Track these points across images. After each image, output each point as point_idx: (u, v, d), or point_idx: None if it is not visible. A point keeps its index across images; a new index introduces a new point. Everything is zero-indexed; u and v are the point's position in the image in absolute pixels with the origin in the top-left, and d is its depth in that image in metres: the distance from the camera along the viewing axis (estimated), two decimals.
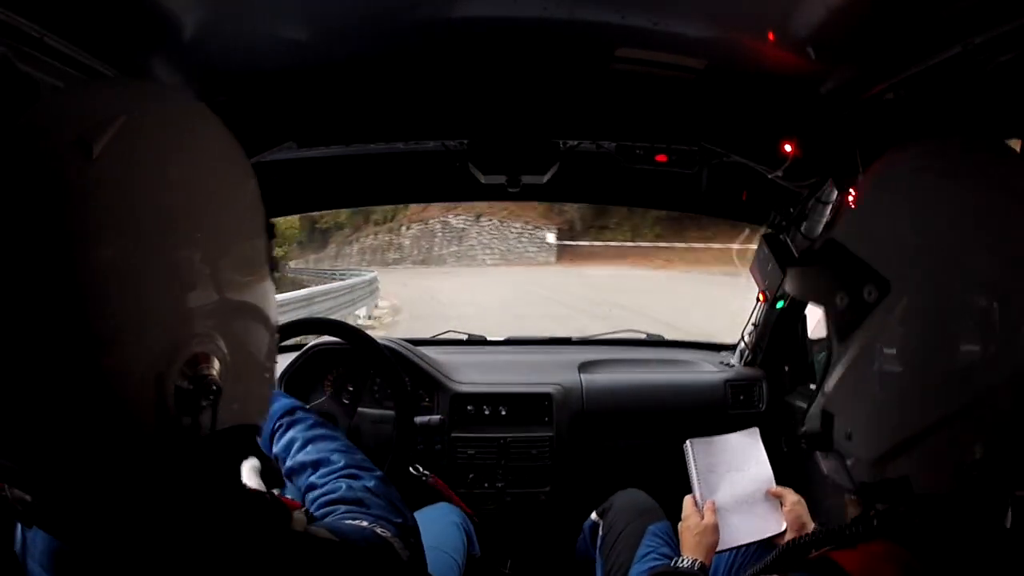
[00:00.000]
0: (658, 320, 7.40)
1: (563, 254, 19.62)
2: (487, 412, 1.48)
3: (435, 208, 20.57)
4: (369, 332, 1.19)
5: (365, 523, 0.58)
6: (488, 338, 1.88)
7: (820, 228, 1.18)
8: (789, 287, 0.63)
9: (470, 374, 1.55)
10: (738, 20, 0.76)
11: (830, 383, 0.54)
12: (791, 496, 0.97)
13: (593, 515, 1.26)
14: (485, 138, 1.12)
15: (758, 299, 1.52)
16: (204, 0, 0.71)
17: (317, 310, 6.88)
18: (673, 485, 1.04)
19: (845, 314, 0.52)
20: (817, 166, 1.04)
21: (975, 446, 0.44)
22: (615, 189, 1.56)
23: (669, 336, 1.94)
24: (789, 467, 1.10)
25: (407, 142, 1.19)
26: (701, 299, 9.55)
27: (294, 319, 1.10)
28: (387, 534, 0.57)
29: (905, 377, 0.48)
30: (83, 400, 0.39)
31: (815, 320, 0.63)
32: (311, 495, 0.67)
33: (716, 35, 0.80)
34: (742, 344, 1.67)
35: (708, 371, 1.63)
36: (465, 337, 1.87)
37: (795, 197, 1.19)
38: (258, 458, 0.50)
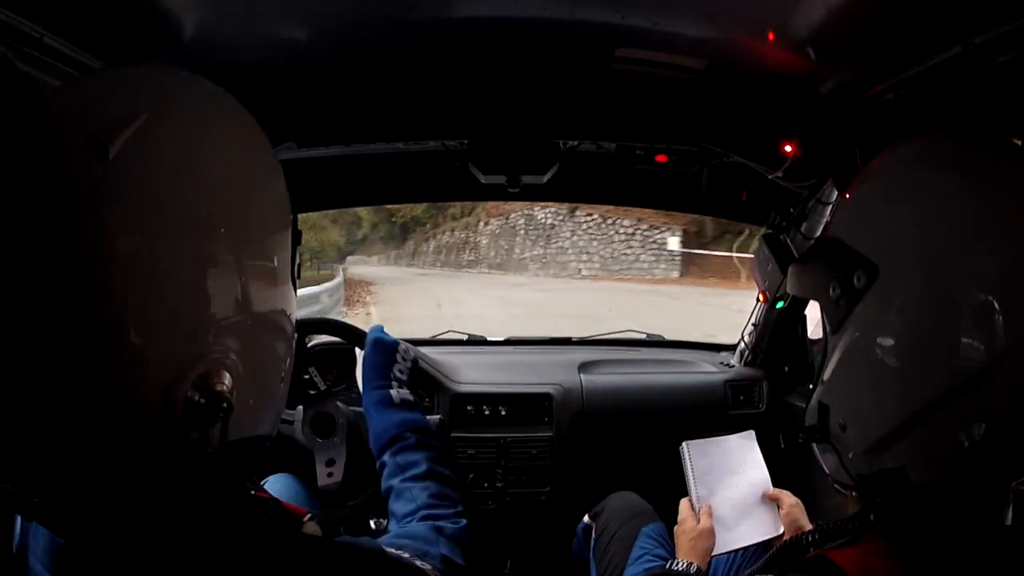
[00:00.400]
0: None
1: (690, 267, 12.42)
2: (487, 412, 1.48)
3: None
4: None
5: (407, 554, 0.55)
6: (488, 338, 1.88)
7: (820, 228, 1.18)
8: (788, 286, 0.63)
9: (470, 374, 1.55)
10: (738, 20, 0.76)
11: (825, 374, 0.55)
12: (788, 499, 0.96)
13: (586, 518, 1.26)
14: (485, 138, 1.12)
15: (758, 299, 1.52)
16: (204, 0, 0.72)
17: None
18: (674, 485, 1.04)
19: (837, 303, 0.52)
20: (817, 166, 1.04)
21: (969, 431, 0.44)
22: (615, 189, 1.56)
23: None
24: (787, 469, 1.10)
25: (407, 142, 1.19)
26: None
27: (295, 319, 1.10)
28: (426, 567, 0.55)
29: (894, 363, 0.48)
30: (93, 404, 0.38)
31: (815, 320, 0.63)
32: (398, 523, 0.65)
33: (716, 35, 0.80)
34: (742, 344, 1.67)
35: (708, 371, 1.63)
36: (465, 337, 1.87)
37: (795, 197, 1.19)
38: (261, 471, 0.49)
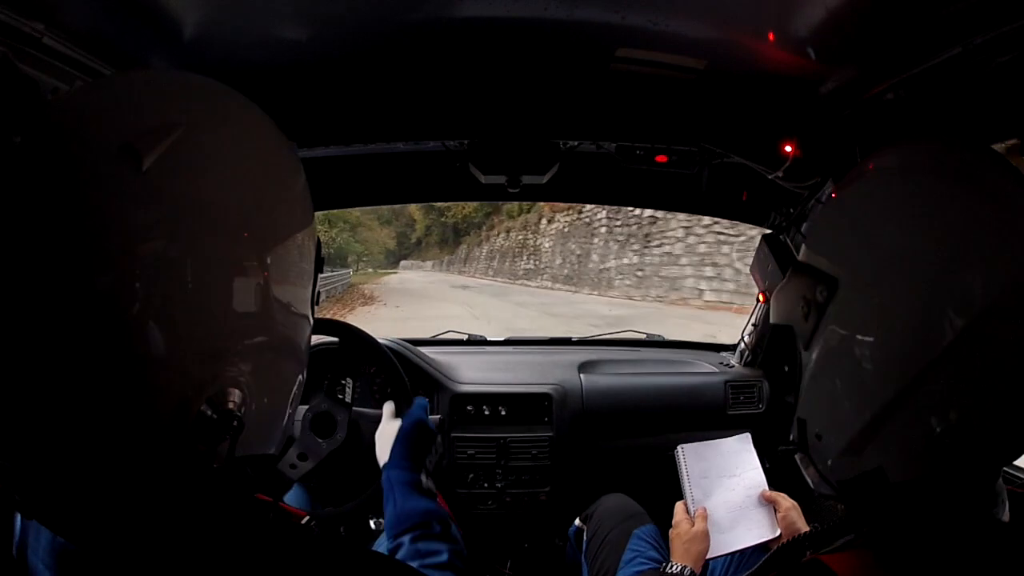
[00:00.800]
0: None
1: None
2: (487, 412, 1.48)
3: None
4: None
5: None
6: (488, 338, 1.88)
7: None
8: (771, 315, 0.64)
9: (470, 374, 1.55)
10: (738, 20, 0.76)
11: (801, 392, 0.57)
12: (785, 502, 0.95)
13: (577, 520, 1.26)
14: (485, 138, 1.12)
15: (758, 299, 1.52)
16: (204, 0, 0.72)
17: None
18: (674, 485, 1.04)
19: (806, 320, 0.54)
20: (817, 166, 1.04)
21: (939, 419, 0.45)
22: (615, 189, 1.56)
23: None
24: (783, 471, 1.10)
25: (407, 142, 1.19)
26: None
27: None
28: None
29: (856, 365, 0.49)
30: (109, 409, 0.39)
31: None
32: None
33: (716, 35, 0.80)
34: (742, 344, 1.67)
35: (708, 371, 1.63)
36: (465, 337, 1.87)
37: (795, 197, 1.19)
38: (260, 482, 0.50)
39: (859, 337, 0.49)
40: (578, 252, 13.27)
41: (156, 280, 0.38)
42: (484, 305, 12.10)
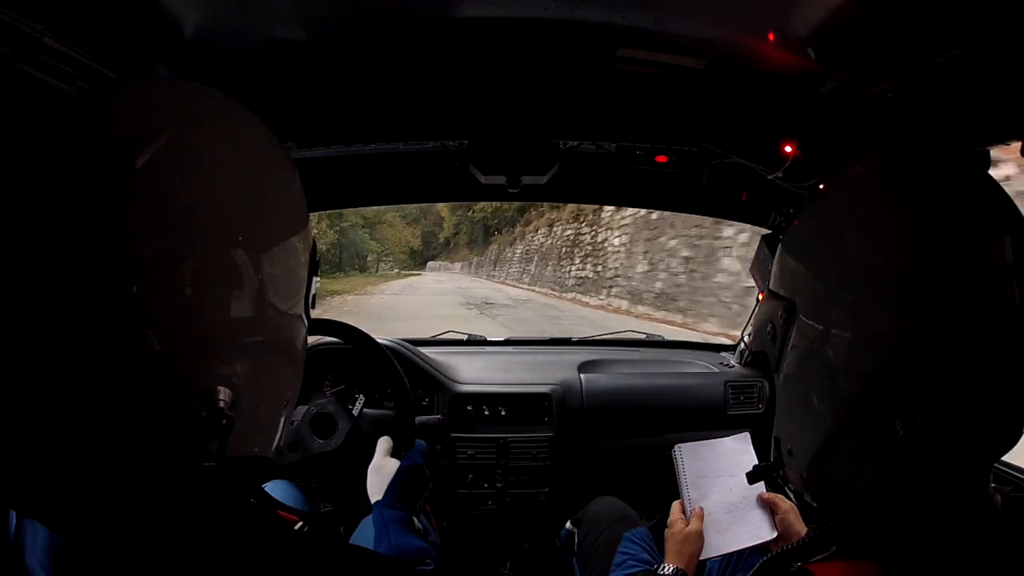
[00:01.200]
0: None
1: None
2: (487, 412, 1.48)
3: None
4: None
5: None
6: (488, 338, 1.88)
7: None
8: (751, 343, 0.67)
9: (470, 374, 1.55)
10: (738, 20, 0.76)
11: (776, 410, 0.58)
12: (783, 503, 0.94)
13: (568, 524, 1.25)
14: (485, 138, 1.12)
15: (757, 300, 1.52)
16: (204, 0, 0.72)
17: None
18: (674, 485, 1.04)
19: (773, 342, 0.56)
20: (817, 166, 1.04)
21: (901, 423, 0.45)
22: (615, 190, 1.56)
23: None
24: None
25: (407, 142, 1.19)
26: None
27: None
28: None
29: (811, 380, 0.51)
30: (101, 404, 0.39)
31: None
32: None
33: (716, 35, 0.80)
34: (741, 345, 1.67)
35: (708, 371, 1.63)
36: (465, 337, 1.87)
37: (795, 197, 1.19)
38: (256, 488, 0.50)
39: (815, 354, 0.50)
40: (686, 253, 7.72)
41: (149, 282, 0.38)
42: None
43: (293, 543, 0.46)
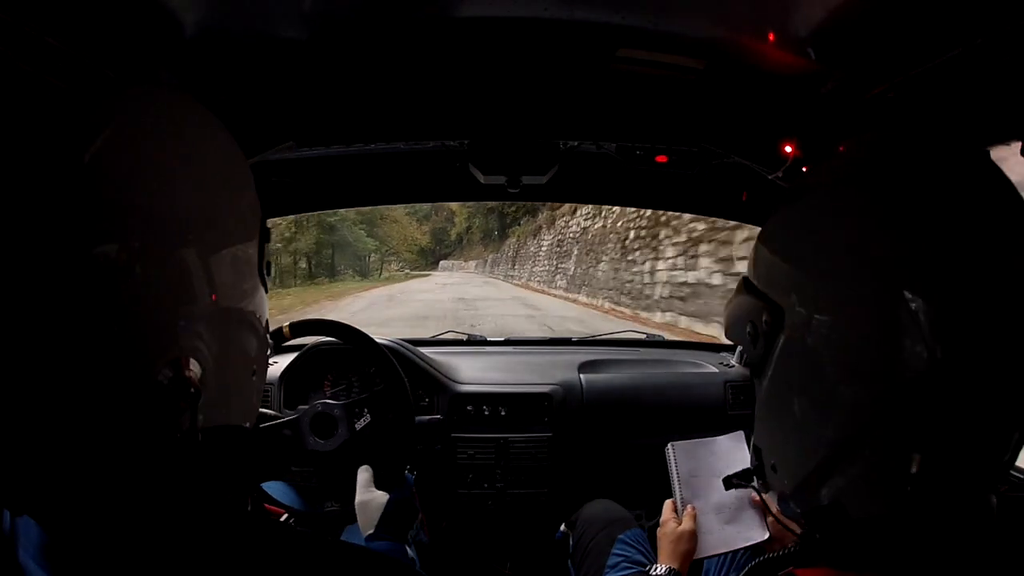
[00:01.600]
0: None
1: None
2: (487, 412, 1.48)
3: None
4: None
5: None
6: (488, 338, 1.88)
7: None
8: (725, 331, 0.62)
9: (470, 374, 1.55)
10: (738, 20, 0.76)
11: (756, 416, 0.54)
12: (774, 505, 0.94)
13: (563, 526, 1.25)
14: (485, 138, 1.12)
15: None
16: (204, 0, 0.71)
17: None
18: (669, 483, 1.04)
19: (754, 345, 0.51)
20: (817, 167, 1.03)
21: (898, 461, 0.42)
22: (615, 190, 1.56)
23: None
24: None
25: (407, 142, 1.19)
26: None
27: (297, 319, 1.10)
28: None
29: (809, 401, 0.46)
30: (67, 391, 0.40)
31: None
32: None
33: (716, 35, 0.80)
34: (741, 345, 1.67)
35: (708, 371, 1.63)
36: (465, 337, 1.87)
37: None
38: (245, 456, 0.51)
39: (807, 375, 0.46)
40: None
41: (99, 265, 0.39)
42: None
43: (274, 532, 0.47)
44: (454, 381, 1.51)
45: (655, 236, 8.05)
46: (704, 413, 1.52)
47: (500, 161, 1.14)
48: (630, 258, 8.97)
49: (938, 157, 0.46)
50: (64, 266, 0.38)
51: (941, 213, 0.42)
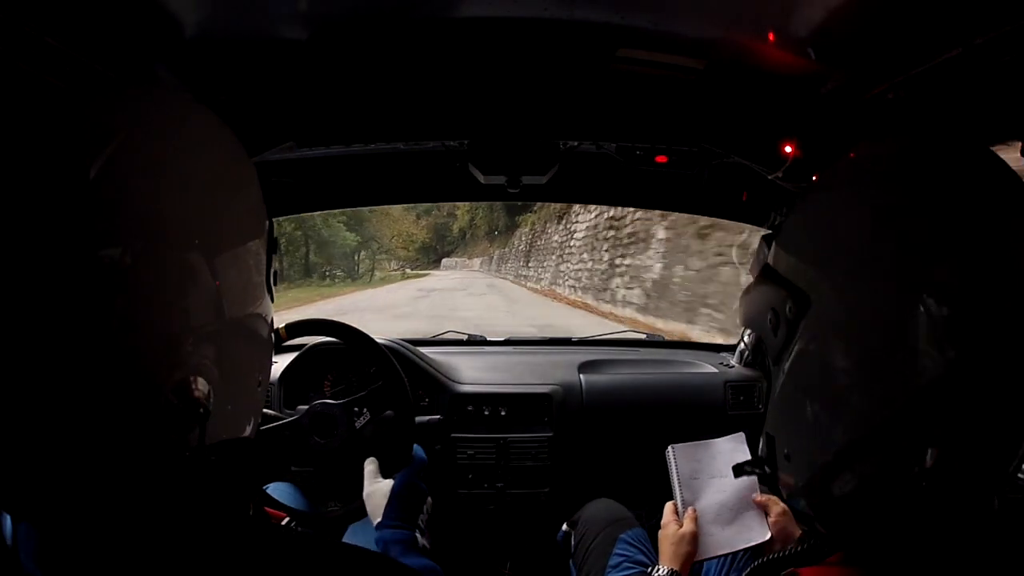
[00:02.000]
0: None
1: None
2: (487, 412, 1.48)
3: None
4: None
5: None
6: (488, 338, 1.88)
7: None
8: (738, 317, 0.62)
9: (470, 374, 1.55)
10: (738, 20, 0.76)
11: (770, 405, 0.54)
12: (776, 506, 0.94)
13: (564, 526, 1.25)
14: (485, 138, 1.12)
15: None
16: (204, 0, 0.72)
17: None
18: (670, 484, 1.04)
19: (775, 333, 0.51)
20: (817, 166, 1.04)
21: (917, 457, 0.42)
22: (615, 190, 1.56)
23: None
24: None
25: (407, 142, 1.19)
26: None
27: (293, 320, 1.10)
28: None
29: (830, 393, 0.46)
30: (75, 408, 0.39)
31: None
32: None
33: (716, 35, 0.80)
34: (742, 345, 1.67)
35: (708, 372, 1.63)
36: (465, 337, 1.87)
37: (795, 198, 1.19)
38: (245, 467, 0.50)
39: (829, 367, 0.46)
40: None
41: (106, 280, 0.39)
42: None
43: (274, 536, 0.47)
44: (454, 381, 1.51)
45: (628, 252, 7.76)
46: (704, 413, 1.52)
47: (500, 161, 1.14)
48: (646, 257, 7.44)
49: (959, 159, 0.46)
50: (69, 274, 0.38)
51: (960, 215, 0.43)
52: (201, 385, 0.43)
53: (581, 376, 1.56)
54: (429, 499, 0.90)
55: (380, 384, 1.10)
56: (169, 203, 0.42)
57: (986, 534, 0.45)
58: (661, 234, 7.50)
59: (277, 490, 1.16)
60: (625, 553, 1.06)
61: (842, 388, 0.45)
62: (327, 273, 23.22)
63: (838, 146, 0.95)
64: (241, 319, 0.47)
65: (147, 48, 0.78)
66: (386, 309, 11.80)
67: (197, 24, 0.74)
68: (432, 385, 1.48)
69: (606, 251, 9.87)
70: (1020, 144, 0.69)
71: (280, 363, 1.41)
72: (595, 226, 10.71)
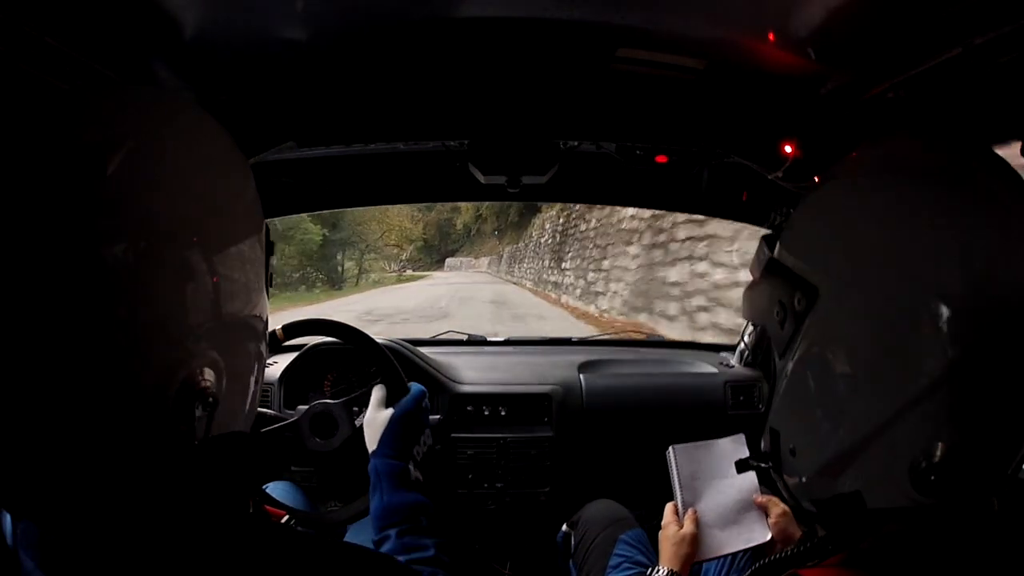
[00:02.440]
0: None
1: None
2: (487, 412, 1.48)
3: None
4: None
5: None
6: (488, 338, 1.88)
7: None
8: (742, 311, 0.62)
9: (470, 374, 1.55)
10: (738, 20, 0.76)
11: (775, 400, 0.54)
12: (776, 507, 0.94)
13: (564, 526, 1.25)
14: (485, 138, 1.12)
15: None
16: (204, 0, 0.71)
17: None
18: (671, 485, 1.04)
19: (781, 326, 0.51)
20: (817, 166, 1.04)
21: (923, 451, 0.42)
22: (615, 189, 1.56)
23: None
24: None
25: (407, 142, 1.19)
26: None
27: (293, 320, 1.10)
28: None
29: (837, 387, 0.46)
30: (85, 403, 0.40)
31: None
32: None
33: (716, 35, 0.80)
34: (742, 345, 1.67)
35: (708, 371, 1.63)
36: (465, 337, 1.87)
37: (795, 197, 1.19)
38: (246, 466, 0.51)
39: (836, 360, 0.46)
40: None
41: (113, 279, 0.39)
42: None
43: (274, 535, 0.47)
44: (454, 381, 1.51)
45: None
46: (704, 413, 1.52)
47: (500, 161, 1.14)
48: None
49: (976, 160, 0.47)
50: (73, 272, 0.38)
51: (972, 215, 0.43)
52: (208, 376, 0.44)
53: (581, 376, 1.56)
54: (428, 431, 0.88)
55: (380, 382, 1.10)
56: (169, 201, 0.43)
57: (987, 535, 0.45)
58: None
59: (277, 490, 1.16)
60: (625, 554, 1.06)
61: (850, 380, 0.45)
62: (305, 277, 19.84)
63: (838, 146, 0.95)
64: (238, 317, 0.48)
65: (147, 48, 0.78)
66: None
67: (197, 24, 0.74)
68: (432, 385, 1.48)
69: (625, 244, 8.17)
70: (1020, 144, 0.69)
71: (280, 363, 1.41)
72: (632, 235, 8.30)
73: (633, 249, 8.14)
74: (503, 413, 1.48)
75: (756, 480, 0.99)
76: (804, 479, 0.51)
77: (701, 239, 5.98)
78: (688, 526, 0.93)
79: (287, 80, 0.92)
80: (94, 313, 0.39)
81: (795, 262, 0.51)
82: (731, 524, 0.95)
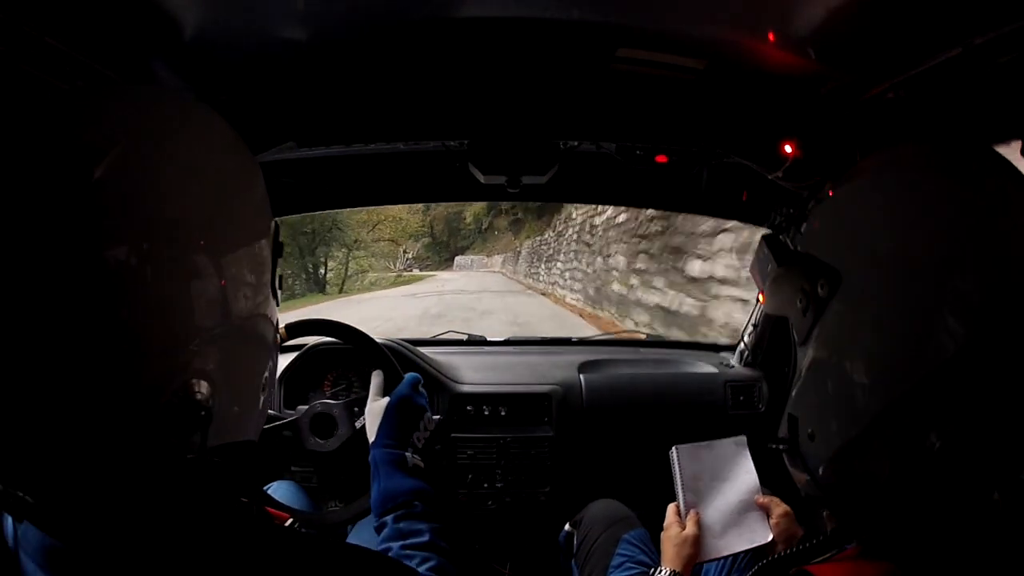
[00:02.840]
0: None
1: None
2: (487, 412, 1.48)
3: None
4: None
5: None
6: (488, 338, 1.88)
7: None
8: (765, 305, 0.63)
9: (470, 374, 1.55)
10: (738, 20, 0.76)
11: (794, 388, 0.55)
12: (778, 508, 0.94)
13: (567, 526, 1.25)
14: (485, 138, 1.12)
15: (758, 300, 1.52)
16: (204, 0, 0.71)
17: None
18: (673, 486, 1.04)
19: (804, 314, 0.52)
20: (817, 166, 1.04)
21: (937, 432, 0.44)
22: (615, 189, 1.56)
23: None
24: (779, 475, 1.09)
25: (407, 142, 1.19)
26: None
27: (293, 320, 1.10)
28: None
29: (856, 367, 0.48)
30: (80, 408, 0.39)
31: None
32: None
33: (716, 35, 0.80)
34: (742, 345, 1.67)
35: (708, 371, 1.63)
36: (465, 337, 1.87)
37: (795, 197, 1.19)
38: (248, 472, 0.50)
39: (856, 342, 0.48)
40: None
41: (111, 282, 0.39)
42: None
43: (278, 537, 0.47)
44: (454, 381, 1.51)
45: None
46: (704, 413, 1.52)
47: (500, 161, 1.14)
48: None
49: (999, 163, 0.48)
50: (75, 275, 0.38)
51: (992, 217, 0.45)
52: (203, 388, 0.43)
53: (581, 376, 1.56)
54: (427, 414, 0.87)
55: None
56: (174, 203, 0.42)
57: (989, 529, 0.45)
58: None
59: (278, 490, 1.16)
60: (627, 553, 1.06)
61: (871, 363, 0.47)
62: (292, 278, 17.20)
63: (838, 146, 0.95)
64: (247, 320, 0.47)
65: (147, 48, 0.78)
66: None
67: (197, 24, 0.74)
68: (432, 385, 1.48)
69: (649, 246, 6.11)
70: (1020, 144, 0.69)
71: (280, 363, 1.41)
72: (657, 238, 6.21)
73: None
74: (503, 413, 1.48)
75: (758, 481, 0.99)
76: (820, 466, 0.52)
77: None
78: (690, 527, 0.93)
79: (287, 80, 0.92)
80: (93, 315, 0.38)
81: (821, 250, 0.53)
82: (733, 525, 0.95)
